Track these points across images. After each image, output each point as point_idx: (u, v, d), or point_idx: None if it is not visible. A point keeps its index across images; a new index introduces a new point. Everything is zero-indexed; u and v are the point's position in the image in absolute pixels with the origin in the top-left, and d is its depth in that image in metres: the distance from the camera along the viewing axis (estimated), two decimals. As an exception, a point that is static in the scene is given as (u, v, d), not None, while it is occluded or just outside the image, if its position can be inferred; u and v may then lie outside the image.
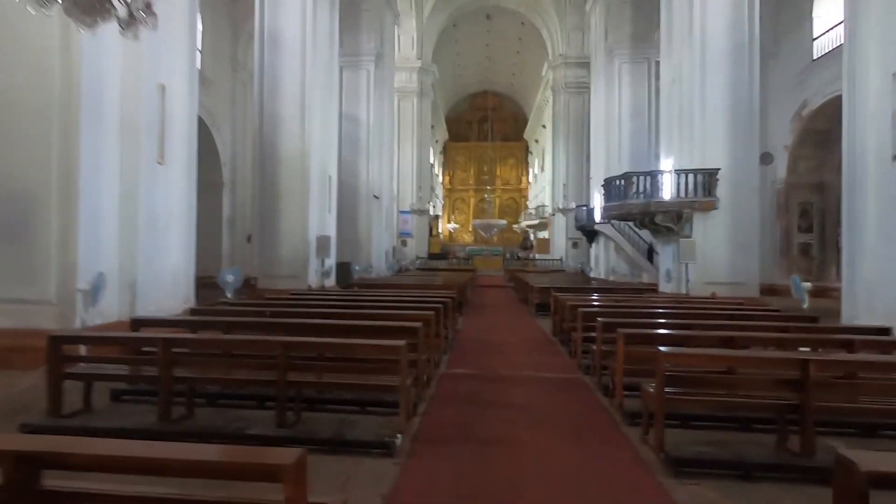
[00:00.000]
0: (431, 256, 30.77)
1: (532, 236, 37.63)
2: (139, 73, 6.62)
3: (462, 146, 43.04)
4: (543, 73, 29.70)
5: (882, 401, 3.78)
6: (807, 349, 4.64)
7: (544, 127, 32.62)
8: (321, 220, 12.80)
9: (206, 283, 10.85)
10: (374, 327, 4.89)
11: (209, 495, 1.56)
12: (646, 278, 17.06)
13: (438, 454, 3.49)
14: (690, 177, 11.52)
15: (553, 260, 27.57)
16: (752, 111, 11.61)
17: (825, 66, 13.96)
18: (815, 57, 14.61)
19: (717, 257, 11.26)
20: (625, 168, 16.06)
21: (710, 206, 11.37)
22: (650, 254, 17.48)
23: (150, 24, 3.14)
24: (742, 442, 3.68)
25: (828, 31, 14.02)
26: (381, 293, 9.15)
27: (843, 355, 4.01)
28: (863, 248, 6.87)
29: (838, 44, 13.27)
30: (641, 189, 12.63)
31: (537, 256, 31.41)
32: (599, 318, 5.15)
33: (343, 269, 15.12)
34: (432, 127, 32.99)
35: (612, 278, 18.36)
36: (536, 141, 38.27)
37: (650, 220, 12.41)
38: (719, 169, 11.34)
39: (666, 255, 12.71)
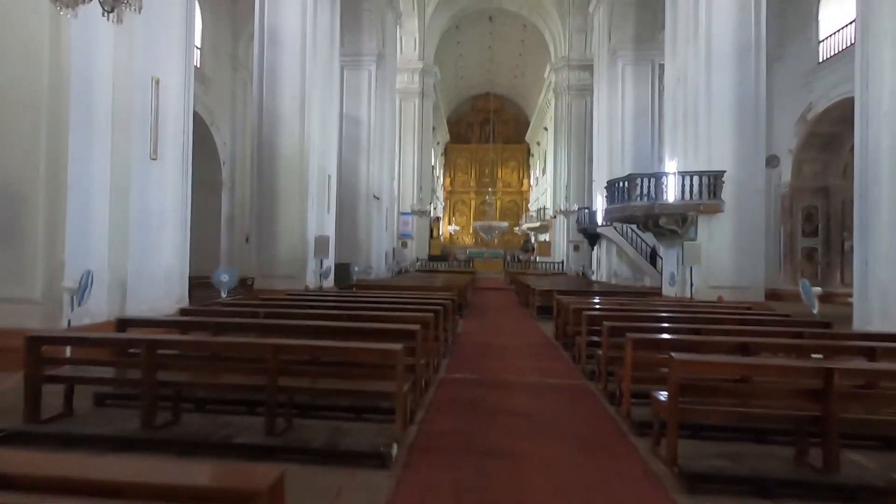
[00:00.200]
0: (432, 258, 30.59)
1: (533, 239, 37.44)
2: (132, 65, 6.44)
3: (463, 148, 42.90)
4: (545, 76, 29.58)
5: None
6: (819, 356, 4.44)
7: (546, 129, 32.50)
8: (320, 219, 12.61)
9: (203, 283, 10.65)
10: (370, 330, 4.70)
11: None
12: (648, 282, 16.87)
13: (436, 466, 3.28)
14: (695, 179, 11.31)
15: (554, 263, 27.39)
16: (758, 112, 11.42)
17: (831, 69, 13.80)
18: (820, 60, 14.44)
19: (722, 261, 11.05)
20: (627, 170, 15.88)
21: (715, 209, 11.18)
22: (653, 257, 17.30)
23: (135, 6, 2.95)
24: (758, 455, 3.48)
25: (834, 34, 13.85)
26: (379, 295, 8.96)
27: (868, 364, 3.80)
28: (876, 252, 6.67)
29: (844, 46, 13.14)
30: (645, 191, 12.43)
31: (538, 259, 31.22)
32: (605, 323, 4.95)
33: (342, 270, 14.92)
34: (434, 128, 32.84)
35: (613, 281, 18.17)
36: (538, 143, 38.16)
37: (654, 222, 12.22)
38: (725, 171, 11.14)
39: (669, 259, 12.51)
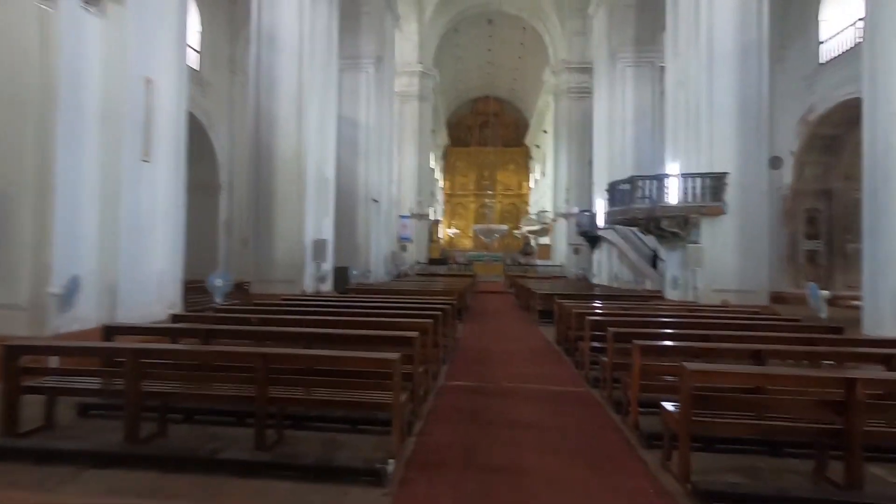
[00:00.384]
0: (431, 262, 30.38)
1: (533, 242, 37.26)
2: (123, 65, 6.27)
3: (463, 151, 42.80)
4: (545, 78, 29.48)
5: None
6: (830, 363, 4.27)
7: (546, 132, 32.37)
8: (318, 223, 12.43)
9: (199, 288, 10.47)
10: (366, 337, 4.52)
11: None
12: (649, 285, 16.68)
13: (434, 483, 3.10)
14: (698, 181, 11.16)
15: (554, 266, 27.20)
16: (760, 113, 11.28)
17: (832, 71, 13.66)
18: (821, 61, 14.32)
19: (725, 264, 10.88)
20: (628, 172, 15.72)
21: (718, 211, 11.02)
22: (654, 260, 17.13)
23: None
24: (774, 469, 3.30)
25: (836, 35, 13.73)
26: (377, 299, 8.78)
27: (892, 374, 3.62)
28: (888, 254, 6.49)
29: (846, 48, 13.01)
30: (647, 193, 12.28)
31: (538, 262, 31.04)
32: (610, 329, 4.77)
33: (340, 273, 14.73)
34: (433, 131, 32.73)
35: (615, 285, 17.99)
36: (538, 146, 38.02)
37: (656, 225, 12.06)
38: (728, 173, 10.99)
39: (672, 262, 12.35)
